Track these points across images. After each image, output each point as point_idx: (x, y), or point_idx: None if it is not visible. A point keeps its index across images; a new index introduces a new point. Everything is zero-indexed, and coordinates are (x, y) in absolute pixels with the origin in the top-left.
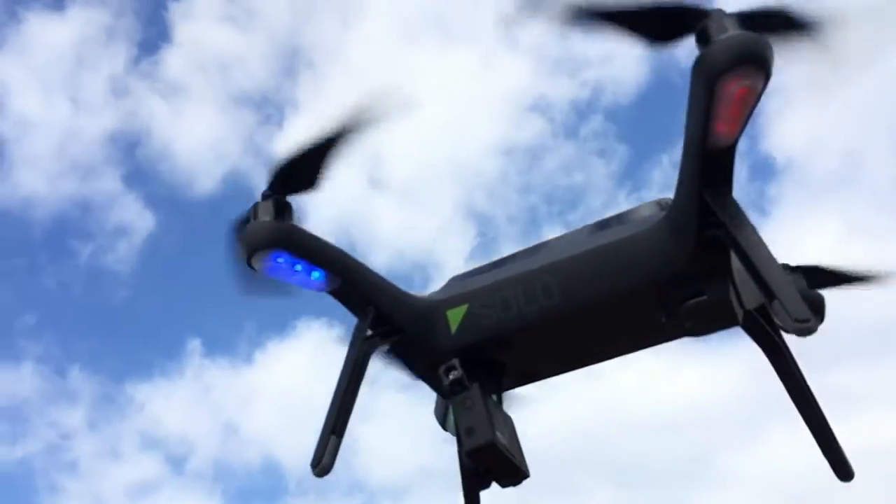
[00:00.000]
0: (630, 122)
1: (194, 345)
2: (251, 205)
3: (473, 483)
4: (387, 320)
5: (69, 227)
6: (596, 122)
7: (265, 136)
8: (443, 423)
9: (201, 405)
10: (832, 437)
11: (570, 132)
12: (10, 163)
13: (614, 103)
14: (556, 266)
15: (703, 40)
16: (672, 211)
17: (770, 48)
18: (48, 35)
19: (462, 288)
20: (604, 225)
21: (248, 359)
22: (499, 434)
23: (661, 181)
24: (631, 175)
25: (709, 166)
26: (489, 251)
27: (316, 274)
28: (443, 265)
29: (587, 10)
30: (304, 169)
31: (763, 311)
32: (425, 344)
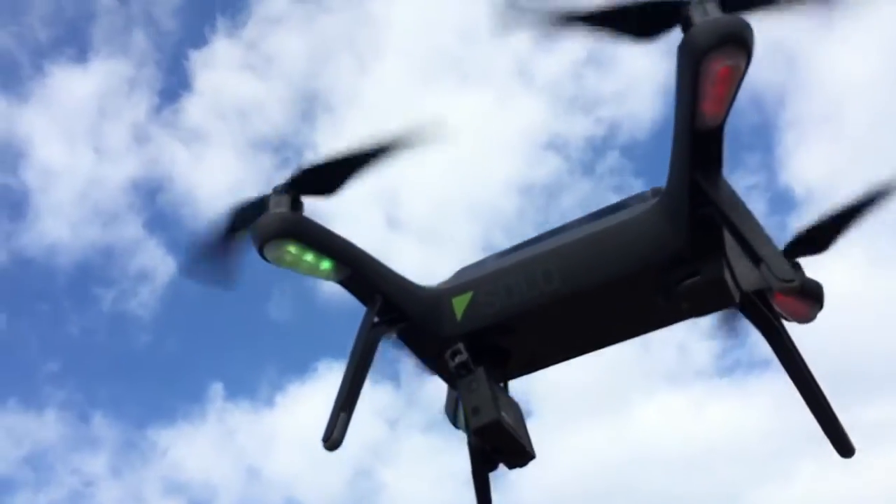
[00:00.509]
0: (646, 157)
1: (216, 388)
2: (260, 195)
3: (482, 465)
4: (394, 308)
5: (92, 274)
6: (612, 158)
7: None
8: (453, 420)
9: (224, 449)
10: (833, 415)
11: (587, 169)
12: (36, 211)
13: (630, 140)
14: (555, 252)
15: (686, 25)
16: (665, 195)
17: (750, 29)
18: (72, 86)
19: (467, 277)
20: (599, 214)
21: (270, 402)
22: (504, 414)
23: None
24: None
25: (699, 148)
26: None
27: (326, 264)
28: None
29: (571, 13)
30: (329, 175)
31: (761, 295)
32: (432, 331)
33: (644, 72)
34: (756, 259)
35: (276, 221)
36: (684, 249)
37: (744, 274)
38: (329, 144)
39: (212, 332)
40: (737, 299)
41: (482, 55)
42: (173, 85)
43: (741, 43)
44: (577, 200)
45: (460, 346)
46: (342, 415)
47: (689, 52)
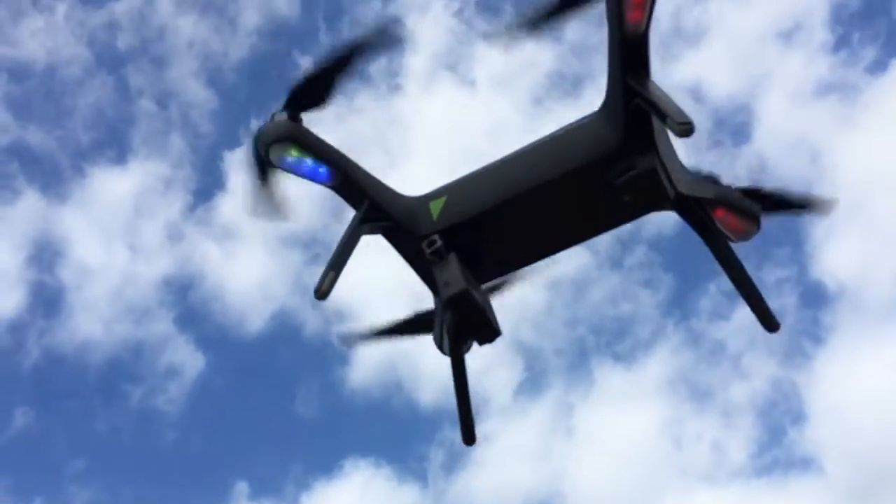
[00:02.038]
0: (674, 251)
1: (241, 487)
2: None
3: (456, 346)
4: (380, 210)
5: (122, 370)
6: (640, 252)
7: (312, 275)
8: (440, 346)
9: None
10: (760, 297)
11: (615, 263)
12: (70, 309)
13: (657, 234)
14: (514, 158)
15: None
16: (605, 101)
17: None
18: (110, 187)
19: (443, 186)
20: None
21: (295, 501)
22: (472, 290)
23: (710, 309)
24: (678, 304)
25: (628, 54)
26: (538, 385)
27: (322, 169)
28: (490, 400)
29: (536, 12)
30: (317, 87)
31: (699, 202)
32: (412, 229)
33: None
34: (661, 115)
35: (280, 127)
36: (621, 146)
37: (682, 181)
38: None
39: (238, 430)
40: (671, 195)
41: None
42: (207, 184)
43: None
44: (606, 294)
45: (435, 237)
46: (332, 273)
47: None
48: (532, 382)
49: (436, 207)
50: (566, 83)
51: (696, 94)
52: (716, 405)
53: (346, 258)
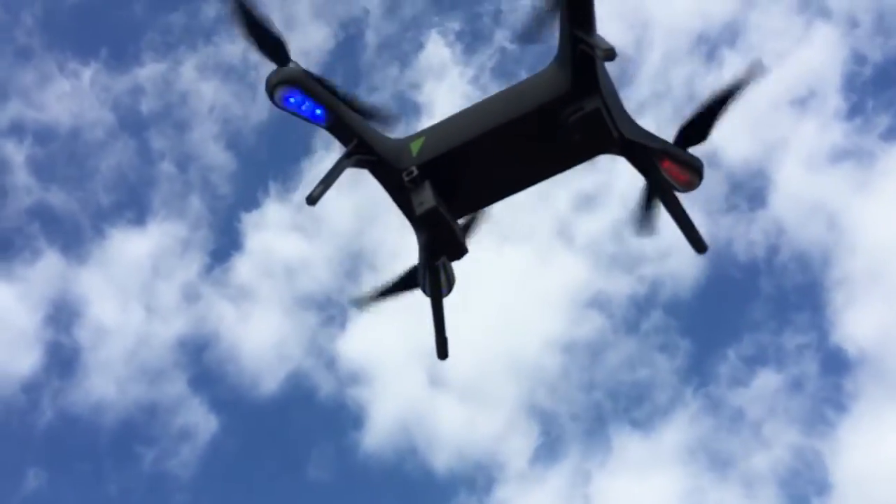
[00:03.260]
0: (691, 316)
1: None
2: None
3: (431, 264)
4: (367, 147)
5: (135, 432)
6: (656, 316)
7: (327, 337)
8: (424, 289)
9: None
10: (692, 225)
11: (631, 327)
12: (85, 370)
13: (674, 298)
14: (482, 104)
15: None
16: (556, 54)
17: None
18: (129, 248)
19: (423, 129)
20: None
21: None
22: (442, 210)
23: (729, 375)
24: (696, 370)
25: (574, 9)
26: (554, 451)
27: (318, 111)
28: (506, 465)
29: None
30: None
31: (645, 150)
32: (394, 163)
33: None
34: (592, 48)
35: (287, 71)
36: (570, 91)
37: (628, 128)
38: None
39: (250, 494)
40: (616, 136)
41: (521, 215)
42: (225, 245)
43: None
44: (623, 359)
45: (413, 168)
46: (321, 186)
47: None
48: (548, 449)
49: (415, 146)
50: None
51: (712, 159)
52: (737, 474)
53: (334, 179)
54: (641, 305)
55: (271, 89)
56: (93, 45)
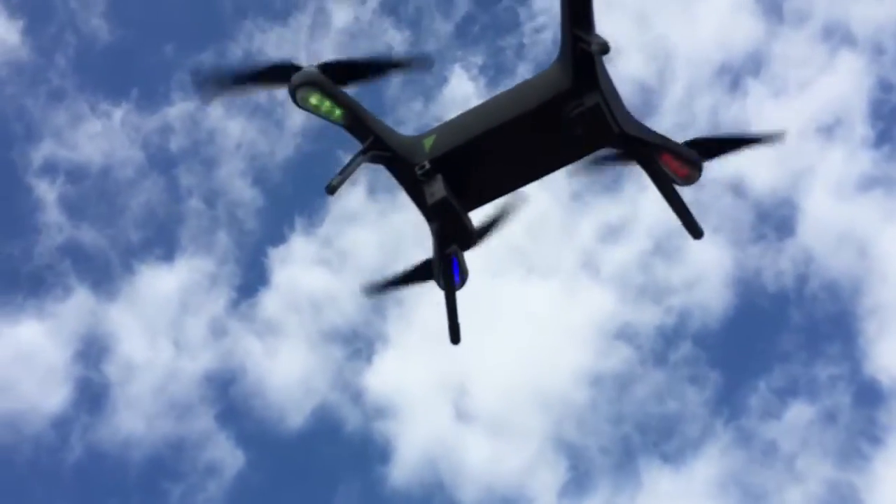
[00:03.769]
0: (720, 347)
1: None
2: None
3: (442, 251)
4: (382, 144)
5: (163, 468)
6: (685, 348)
7: (353, 371)
8: (438, 281)
9: None
10: (688, 211)
11: (659, 359)
12: (114, 406)
13: (702, 329)
14: (489, 102)
15: None
16: (558, 55)
17: None
18: (158, 284)
19: (434, 127)
20: None
21: None
22: (452, 200)
23: (760, 407)
24: (727, 401)
25: (575, 12)
26: (583, 485)
27: (338, 112)
28: (534, 500)
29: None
30: (347, 72)
31: (646, 144)
32: (408, 158)
33: (712, 261)
34: (589, 44)
35: (311, 75)
36: (572, 87)
37: (628, 123)
38: (399, 334)
39: None
40: (615, 130)
41: (548, 248)
42: (251, 280)
43: None
44: (651, 391)
45: (426, 163)
46: (340, 177)
47: None
48: (577, 483)
49: (428, 143)
50: (605, 178)
51: (738, 189)
52: None
53: (352, 171)
54: (669, 337)
55: (293, 91)
56: (124, 85)
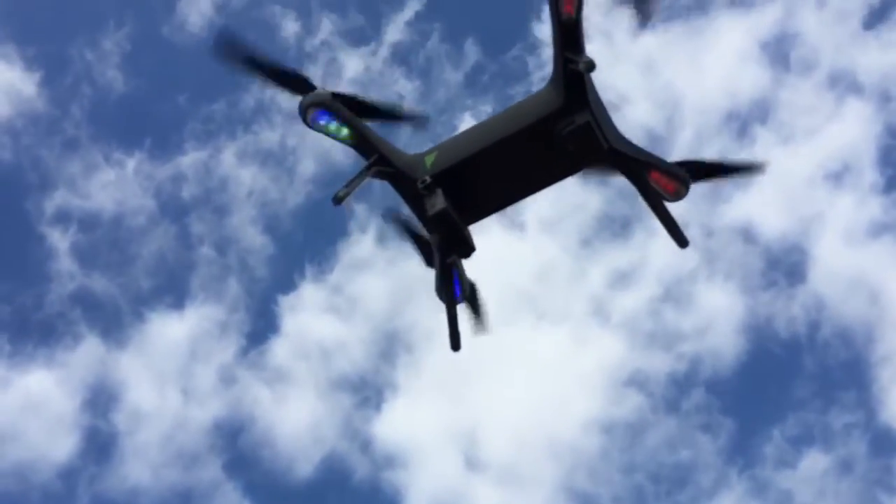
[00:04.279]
0: (733, 394)
1: None
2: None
3: (445, 263)
4: (387, 161)
5: None
6: (697, 395)
7: (362, 419)
8: (440, 295)
9: None
10: (674, 222)
11: (671, 406)
12: (121, 455)
13: (714, 375)
14: (486, 122)
15: None
16: (551, 76)
17: None
18: (167, 332)
19: (435, 146)
20: None
21: None
22: (451, 212)
23: (775, 456)
24: (741, 450)
25: (565, 36)
26: None
27: (345, 131)
28: None
29: None
30: (353, 107)
31: (635, 161)
32: (411, 175)
33: (722, 307)
34: (577, 63)
35: (321, 96)
36: (563, 107)
37: (617, 141)
38: (409, 382)
39: None
40: (605, 146)
41: (557, 294)
42: (261, 328)
43: None
44: (664, 439)
45: (427, 177)
46: (346, 189)
47: None
48: None
49: (429, 160)
50: (615, 225)
51: (748, 235)
52: None
53: (358, 185)
54: (681, 384)
55: (304, 111)
56: (137, 135)
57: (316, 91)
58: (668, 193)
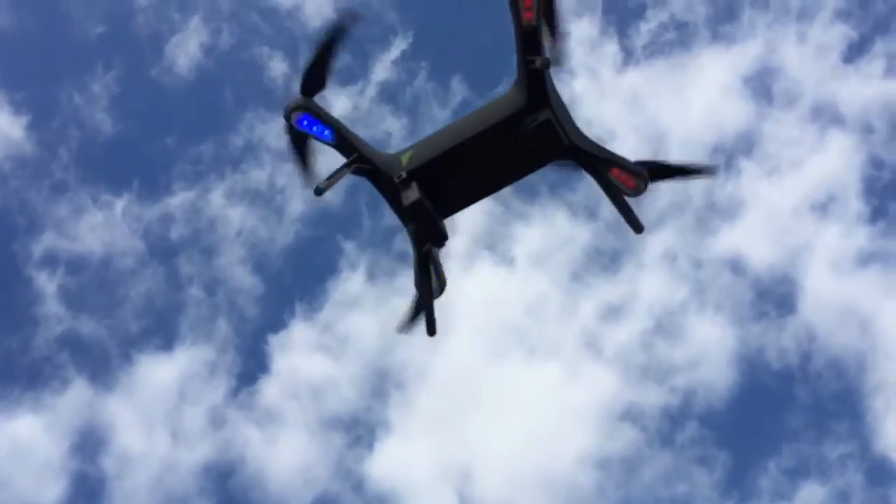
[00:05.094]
0: (728, 426)
1: None
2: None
3: (419, 249)
4: (365, 159)
5: None
6: (691, 428)
7: (354, 458)
8: (417, 285)
9: None
10: (629, 208)
11: (666, 440)
12: (110, 500)
13: (708, 408)
14: (458, 122)
15: None
16: (516, 79)
17: None
18: (156, 374)
19: (411, 145)
20: None
21: None
22: (426, 202)
23: (771, 489)
24: (737, 483)
25: (526, 41)
26: None
27: (327, 131)
28: None
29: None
30: (315, 75)
31: (596, 158)
32: (388, 171)
33: (714, 340)
34: (533, 62)
35: (299, 100)
36: (526, 106)
37: (578, 137)
38: (401, 420)
39: None
40: (566, 142)
41: (548, 328)
42: (251, 368)
43: None
44: (659, 473)
45: (403, 173)
46: (328, 181)
47: None
48: None
49: (405, 158)
50: (603, 258)
51: (737, 267)
52: None
53: (338, 179)
54: (675, 417)
55: (288, 113)
56: (126, 176)
57: (304, 98)
58: (629, 189)
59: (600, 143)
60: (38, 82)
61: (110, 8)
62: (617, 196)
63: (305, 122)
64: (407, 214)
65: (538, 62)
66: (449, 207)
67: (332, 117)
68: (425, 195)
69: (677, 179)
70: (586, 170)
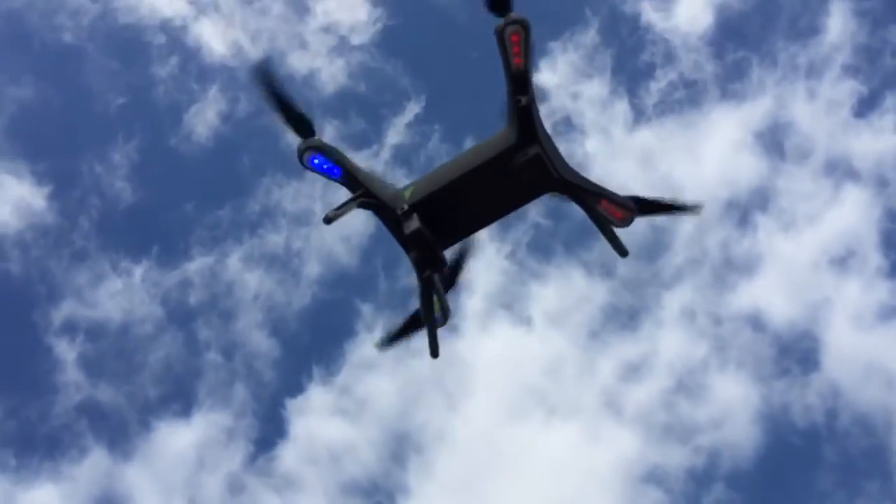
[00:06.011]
0: (755, 488)
1: None
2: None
3: (422, 275)
4: (371, 195)
5: None
6: (718, 490)
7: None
8: (420, 310)
9: None
10: (615, 235)
11: (692, 503)
12: None
13: (734, 469)
14: (455, 159)
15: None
16: (507, 118)
17: (521, 17)
18: (174, 441)
19: (414, 181)
20: None
21: None
22: (425, 231)
23: None
24: None
25: (516, 83)
26: None
27: (336, 169)
28: None
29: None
30: (295, 121)
31: (585, 191)
32: (392, 205)
33: (737, 398)
34: (518, 99)
35: (311, 141)
36: (517, 143)
37: (567, 172)
38: (420, 484)
39: None
40: (555, 175)
41: (567, 388)
42: (269, 433)
43: (520, 21)
44: None
45: (405, 206)
46: (338, 212)
47: (497, 32)
48: None
49: (408, 192)
50: (621, 316)
51: (757, 323)
52: None
53: (347, 211)
54: (700, 478)
55: (301, 153)
56: (145, 243)
57: (314, 138)
58: (617, 220)
59: (589, 178)
60: (59, 153)
61: (131, 79)
62: (604, 227)
63: (316, 161)
64: (408, 243)
65: (523, 100)
66: (449, 237)
67: (341, 154)
68: (427, 226)
69: (663, 214)
70: (575, 201)
